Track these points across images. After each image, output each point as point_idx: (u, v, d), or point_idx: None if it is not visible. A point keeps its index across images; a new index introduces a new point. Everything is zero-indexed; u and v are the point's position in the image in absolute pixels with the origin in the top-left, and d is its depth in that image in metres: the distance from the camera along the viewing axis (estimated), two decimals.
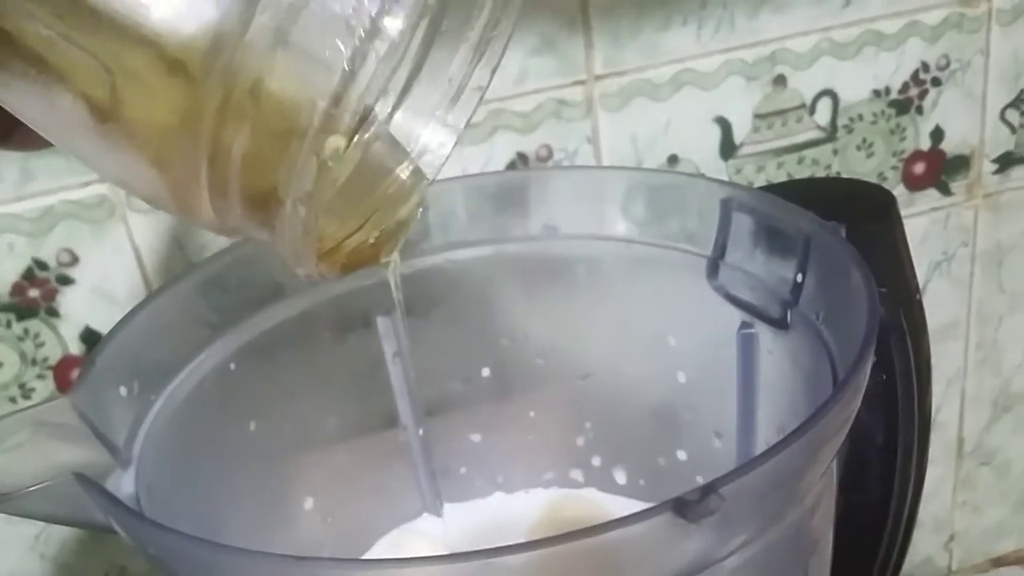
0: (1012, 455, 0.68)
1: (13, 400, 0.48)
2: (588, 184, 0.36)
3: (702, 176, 0.36)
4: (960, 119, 0.58)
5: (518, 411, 0.40)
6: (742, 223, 0.31)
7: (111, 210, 0.46)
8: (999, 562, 0.70)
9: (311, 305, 0.36)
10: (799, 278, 0.29)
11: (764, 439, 0.34)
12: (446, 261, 0.37)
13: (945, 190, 0.59)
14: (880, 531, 0.35)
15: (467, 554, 0.19)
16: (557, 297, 0.38)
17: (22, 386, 0.48)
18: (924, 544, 0.68)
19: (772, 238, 0.31)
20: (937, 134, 0.58)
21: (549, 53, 0.49)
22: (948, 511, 0.68)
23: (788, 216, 0.30)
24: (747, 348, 0.32)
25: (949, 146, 0.58)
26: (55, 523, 0.25)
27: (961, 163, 0.59)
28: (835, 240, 0.28)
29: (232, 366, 0.33)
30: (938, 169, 0.59)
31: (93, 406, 0.26)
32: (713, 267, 0.33)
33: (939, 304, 0.62)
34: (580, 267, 0.37)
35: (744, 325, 0.32)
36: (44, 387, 0.48)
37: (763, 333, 0.32)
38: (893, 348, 0.33)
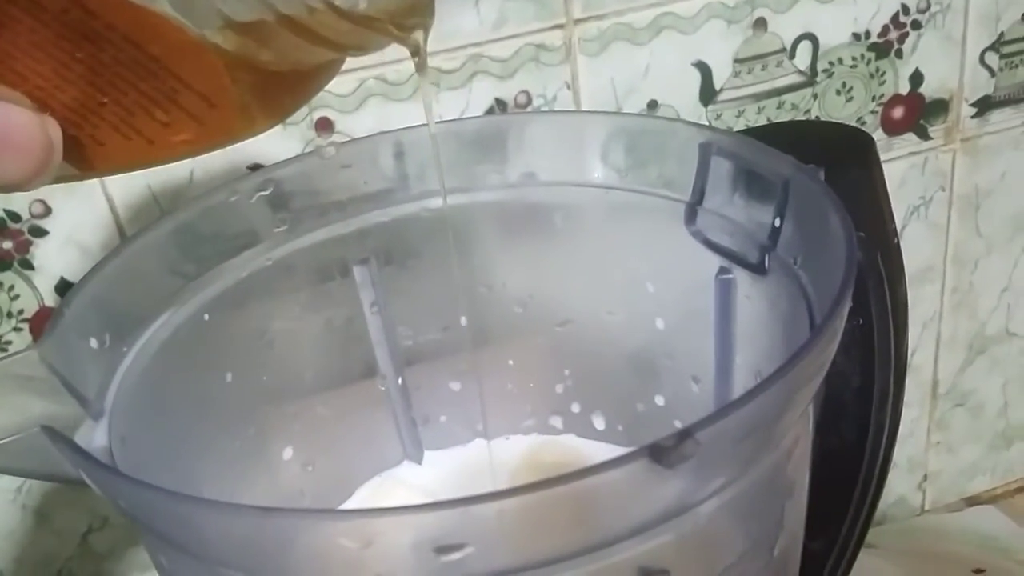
0: (986, 396, 0.69)
1: None
2: (566, 130, 0.36)
3: (681, 120, 0.35)
4: (939, 63, 0.57)
5: (497, 359, 0.39)
6: (721, 168, 0.31)
7: None
8: (972, 501, 0.71)
9: (286, 254, 0.35)
10: (777, 223, 0.29)
11: (741, 383, 0.33)
12: (423, 209, 0.36)
13: (924, 134, 0.59)
14: (855, 474, 0.35)
15: (445, 503, 0.18)
16: (535, 245, 0.38)
17: None
18: (898, 484, 0.69)
19: (750, 183, 0.30)
20: (916, 78, 0.57)
21: None
22: (922, 452, 0.69)
23: (766, 160, 0.29)
24: (725, 293, 0.32)
25: (928, 90, 0.58)
26: (25, 477, 0.25)
27: (940, 107, 0.59)
28: (813, 184, 0.27)
29: (206, 316, 0.33)
30: (917, 113, 0.58)
31: (62, 358, 0.26)
32: (691, 212, 0.32)
33: (916, 248, 0.62)
34: (558, 214, 0.37)
35: (722, 271, 0.32)
36: (21, 340, 0.47)
37: (741, 278, 0.32)
38: (870, 292, 0.33)
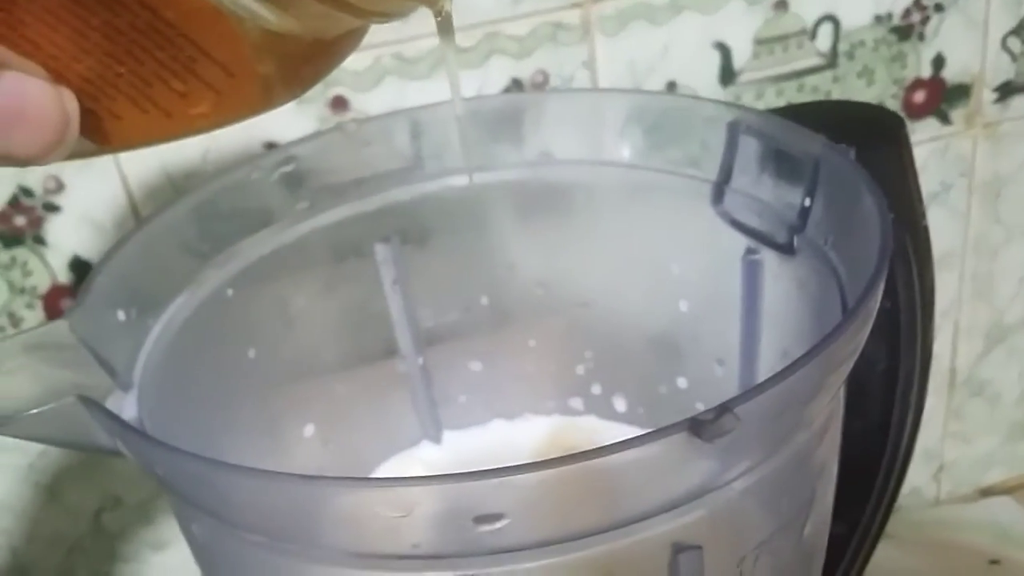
0: (1003, 386, 0.69)
1: (2, 329, 0.47)
2: (587, 108, 0.36)
3: (708, 99, 0.35)
4: (961, 47, 0.57)
5: (518, 340, 0.39)
6: (748, 147, 0.31)
7: None
8: (987, 492, 0.71)
9: (307, 232, 0.36)
10: (807, 202, 0.29)
11: (767, 366, 0.34)
12: (443, 188, 0.36)
13: (945, 119, 0.59)
14: (879, 458, 0.36)
15: (486, 472, 0.19)
16: (556, 225, 0.38)
17: (11, 315, 0.47)
18: (913, 474, 0.69)
19: (779, 162, 0.30)
20: (938, 62, 0.57)
21: None
22: (938, 442, 0.69)
23: (796, 139, 0.29)
24: (752, 274, 0.32)
25: (950, 74, 0.58)
26: (57, 446, 0.25)
27: (961, 92, 0.58)
28: (845, 163, 0.27)
29: (229, 292, 0.33)
30: (938, 98, 0.58)
31: (91, 330, 0.26)
32: (718, 192, 0.33)
33: (935, 234, 0.61)
34: (579, 194, 0.37)
35: (749, 251, 0.32)
36: (33, 316, 0.48)
37: (768, 259, 0.32)
38: (898, 275, 0.33)
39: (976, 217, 0.63)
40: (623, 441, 0.19)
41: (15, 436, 0.24)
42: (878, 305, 0.24)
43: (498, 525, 0.19)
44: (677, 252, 0.35)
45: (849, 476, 0.36)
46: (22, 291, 0.47)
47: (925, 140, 0.59)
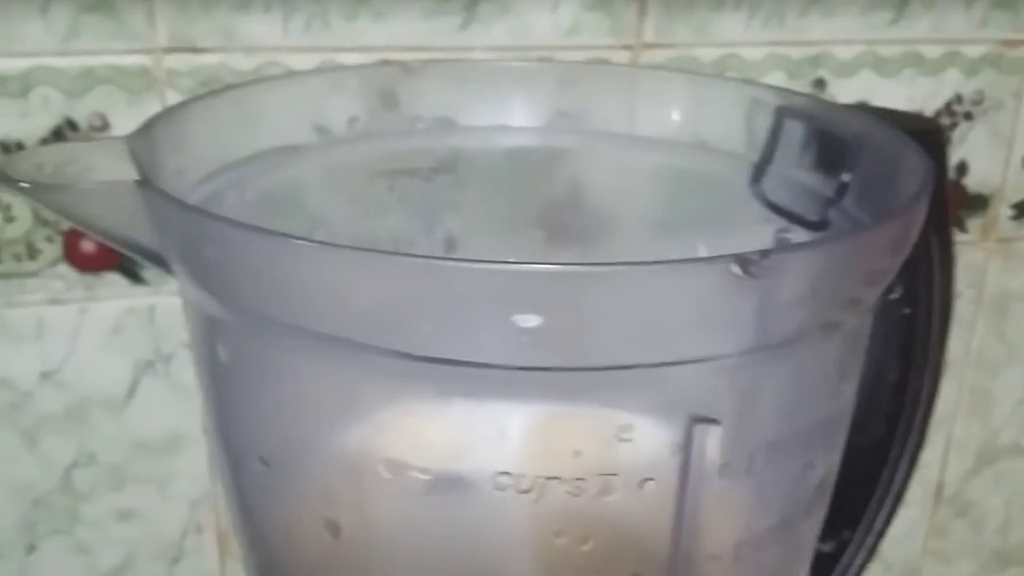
0: (988, 510, 0.69)
1: (18, 258, 0.48)
2: (637, 85, 0.37)
3: (755, 83, 0.37)
4: (985, 157, 0.60)
5: None
6: (793, 130, 0.33)
7: (150, 82, 0.47)
8: None
9: (350, 154, 0.37)
10: (845, 177, 0.30)
11: None
12: (489, 142, 0.38)
13: (961, 226, 0.61)
14: (878, 474, 0.36)
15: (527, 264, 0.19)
16: (594, 193, 0.39)
17: (29, 245, 0.48)
18: None
19: (822, 142, 0.32)
20: (961, 168, 0.60)
21: (603, 12, 0.51)
22: (918, 557, 0.68)
23: (842, 118, 0.31)
24: None
25: (971, 183, 0.60)
26: (100, 235, 0.26)
27: (980, 203, 0.61)
28: (891, 134, 0.29)
29: (249, 193, 0.34)
30: (957, 204, 0.60)
31: (146, 161, 0.27)
32: (757, 173, 0.34)
33: None
34: (618, 165, 0.38)
35: (780, 230, 0.33)
36: (51, 250, 0.48)
37: (798, 238, 0.33)
38: (920, 278, 0.34)
39: (981, 330, 0.64)
40: (666, 261, 0.20)
41: (69, 212, 0.25)
42: (916, 233, 0.25)
43: (530, 325, 0.20)
44: (707, 230, 0.36)
45: (846, 492, 0.36)
46: (45, 223, 0.48)
47: None
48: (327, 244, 0.21)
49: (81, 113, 0.47)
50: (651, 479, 0.23)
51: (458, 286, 0.20)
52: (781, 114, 0.33)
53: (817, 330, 0.24)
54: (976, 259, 0.62)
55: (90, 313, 0.49)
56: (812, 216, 0.32)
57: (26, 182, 0.24)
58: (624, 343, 0.21)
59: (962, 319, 0.63)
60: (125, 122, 0.47)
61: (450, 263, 0.20)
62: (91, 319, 0.49)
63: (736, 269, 0.20)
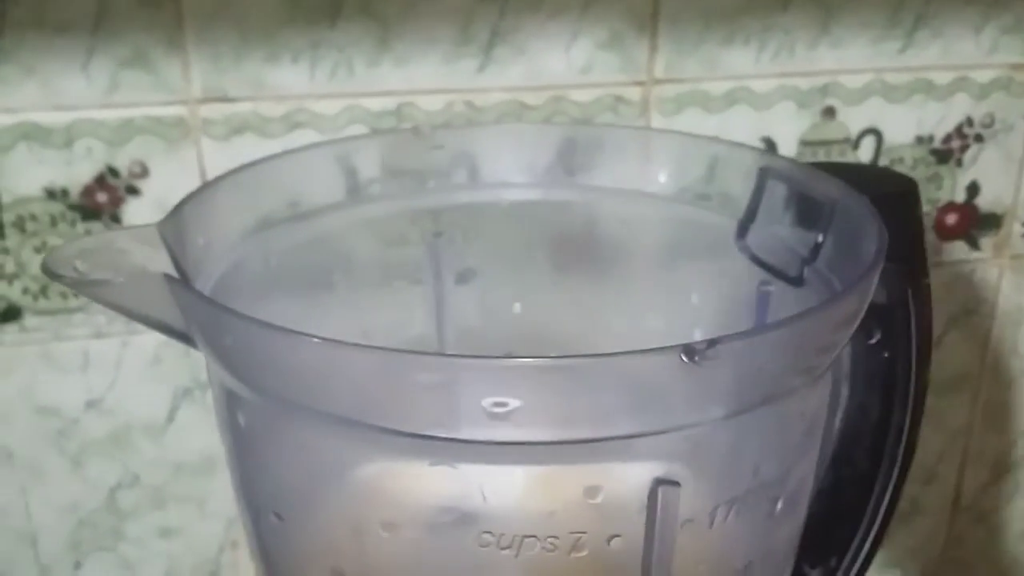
0: (1006, 518, 0.71)
1: (64, 296, 0.52)
2: (635, 144, 0.41)
3: (741, 144, 0.40)
4: (997, 178, 0.62)
5: (541, 351, 0.43)
6: (775, 189, 0.35)
7: (186, 132, 0.50)
8: None
9: (363, 218, 0.40)
10: (820, 238, 0.33)
11: None
12: (496, 199, 0.41)
13: (974, 244, 0.63)
14: (863, 505, 0.39)
15: (505, 358, 0.23)
16: (592, 245, 0.42)
17: None
18: None
19: (800, 204, 0.35)
20: (973, 189, 0.62)
21: (615, 50, 0.54)
22: (936, 565, 0.71)
23: (818, 183, 0.34)
24: (763, 305, 0.36)
25: (983, 202, 0.62)
26: (135, 319, 0.29)
27: (992, 221, 0.63)
28: (859, 205, 0.32)
29: (273, 261, 0.37)
30: (969, 223, 0.63)
31: (175, 239, 0.30)
32: (742, 229, 0.37)
33: (954, 356, 0.66)
34: (615, 221, 0.42)
35: (762, 283, 0.36)
36: None
37: (779, 292, 0.36)
38: (897, 326, 0.37)
39: (995, 345, 0.66)
40: (622, 352, 0.23)
41: (105, 301, 0.28)
42: (865, 305, 0.28)
43: (508, 408, 0.23)
44: (698, 282, 0.39)
45: (832, 521, 0.39)
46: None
47: (953, 262, 0.63)
48: (329, 340, 0.24)
49: (122, 161, 0.50)
50: (618, 535, 0.26)
51: (443, 376, 0.24)
52: (764, 175, 0.36)
53: (771, 398, 0.27)
54: (990, 276, 0.64)
55: (131, 346, 0.53)
56: (791, 272, 0.35)
57: (67, 278, 0.28)
58: (591, 421, 0.24)
59: (977, 334, 0.66)
60: (163, 168, 0.51)
61: (434, 359, 0.23)
62: (132, 351, 0.53)
63: (683, 358, 0.23)
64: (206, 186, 0.34)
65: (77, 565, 0.56)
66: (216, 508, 0.57)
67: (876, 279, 0.28)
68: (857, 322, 0.28)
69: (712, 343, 0.23)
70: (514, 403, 0.23)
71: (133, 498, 0.56)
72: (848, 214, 0.33)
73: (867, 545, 0.39)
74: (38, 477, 0.54)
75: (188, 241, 0.31)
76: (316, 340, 0.24)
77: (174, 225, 0.31)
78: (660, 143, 0.40)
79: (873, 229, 0.30)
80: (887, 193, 0.32)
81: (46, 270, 0.28)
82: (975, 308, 0.65)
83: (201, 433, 0.55)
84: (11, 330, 0.51)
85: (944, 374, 0.66)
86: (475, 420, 0.24)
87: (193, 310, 0.27)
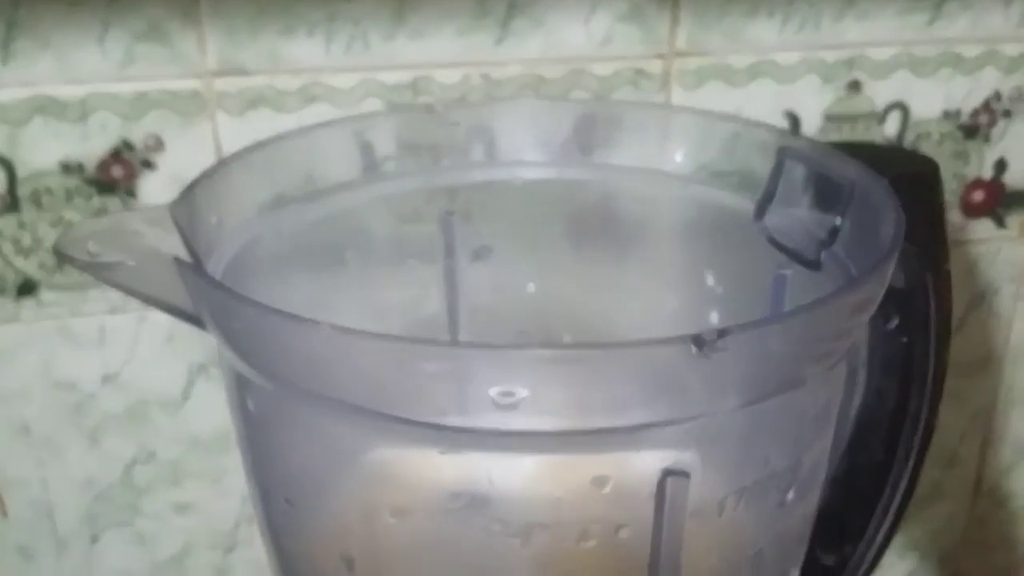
0: None
1: (80, 271, 0.52)
2: (652, 122, 0.40)
3: (760, 123, 0.39)
4: None
5: (554, 331, 0.43)
6: (793, 170, 0.35)
7: (202, 106, 0.50)
8: None
9: (377, 195, 0.40)
10: (837, 221, 0.33)
11: None
12: (511, 176, 0.41)
13: (1000, 222, 0.62)
14: (879, 493, 0.39)
15: (512, 344, 0.23)
16: (607, 224, 0.42)
17: None
18: None
19: (819, 185, 0.34)
20: (1000, 165, 0.61)
21: (636, 22, 0.53)
22: (957, 548, 0.71)
23: (837, 165, 0.33)
24: (779, 288, 0.36)
25: (1010, 179, 0.61)
26: (146, 301, 0.30)
27: (1020, 199, 0.62)
28: (877, 187, 0.31)
29: (289, 236, 0.37)
30: (996, 200, 0.62)
31: (187, 220, 0.30)
32: (760, 210, 0.37)
33: (977, 336, 0.65)
34: (632, 199, 0.41)
35: (779, 266, 0.36)
36: None
37: (796, 275, 0.36)
38: (916, 311, 0.36)
39: (1020, 325, 0.65)
40: (631, 342, 0.23)
41: (118, 284, 0.28)
42: (880, 294, 0.27)
43: (515, 398, 0.23)
44: (714, 263, 0.39)
45: (849, 507, 0.39)
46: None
47: (978, 240, 0.62)
48: (337, 327, 0.24)
49: (137, 135, 0.50)
50: (626, 525, 0.26)
51: (450, 365, 0.23)
52: (782, 155, 0.36)
53: (783, 388, 0.26)
54: (1016, 255, 0.64)
55: (148, 321, 0.53)
56: (809, 255, 0.34)
57: (79, 260, 0.28)
58: (600, 411, 0.24)
59: (1002, 314, 0.65)
60: (179, 142, 0.51)
61: (441, 348, 0.23)
62: (149, 327, 0.53)
63: (693, 349, 0.23)
64: (218, 165, 0.34)
65: (94, 539, 0.57)
66: (231, 484, 0.58)
67: (892, 267, 0.27)
68: (872, 311, 0.28)
69: (722, 333, 0.23)
70: (522, 392, 0.23)
71: (149, 473, 0.56)
72: (867, 197, 0.32)
73: (882, 533, 0.39)
74: (55, 452, 0.55)
75: (200, 221, 0.31)
76: (324, 327, 0.24)
77: (186, 206, 0.31)
78: (678, 121, 0.40)
79: (891, 214, 0.30)
80: (908, 175, 0.32)
81: (58, 252, 0.28)
82: (1000, 287, 0.64)
83: (216, 410, 0.56)
84: (28, 305, 0.52)
85: (967, 354, 0.65)
86: (483, 409, 0.24)
87: (202, 294, 0.27)
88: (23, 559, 0.57)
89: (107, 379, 0.54)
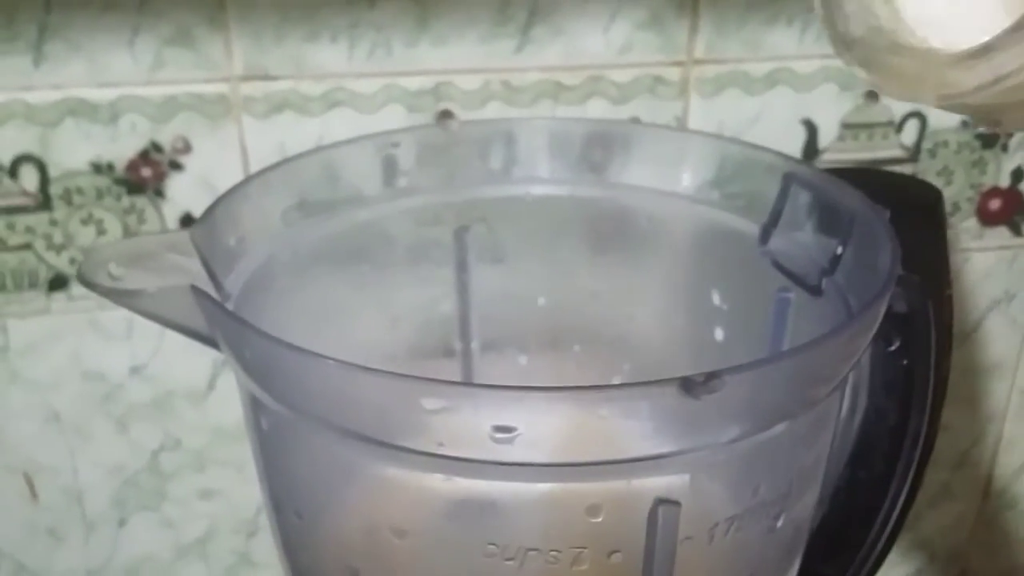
0: None
1: None
2: (666, 144, 0.41)
3: (770, 150, 0.40)
4: None
5: (564, 342, 0.44)
6: (798, 196, 0.36)
7: (228, 109, 0.51)
8: None
9: (394, 212, 0.41)
10: (839, 250, 0.34)
11: None
12: (523, 194, 0.42)
13: (1017, 231, 0.63)
14: (878, 506, 0.39)
15: (506, 387, 0.24)
16: (617, 242, 0.43)
17: None
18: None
19: (822, 212, 0.35)
20: (1017, 174, 0.61)
21: (655, 30, 0.54)
22: (964, 546, 0.71)
23: (840, 194, 0.34)
24: (781, 311, 0.37)
25: None
26: (167, 326, 0.31)
27: None
28: (877, 219, 0.32)
29: (312, 250, 0.38)
30: (1013, 209, 0.62)
31: (207, 244, 0.32)
32: (765, 234, 0.37)
33: (991, 342, 0.65)
34: (642, 219, 0.42)
35: (782, 289, 0.37)
36: None
37: (798, 298, 0.36)
38: (917, 335, 0.37)
39: None
40: (622, 384, 0.24)
41: (138, 309, 0.30)
42: (875, 325, 0.28)
43: (511, 434, 0.24)
44: (720, 284, 0.40)
45: (848, 522, 0.40)
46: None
47: (994, 247, 0.63)
48: (340, 362, 0.25)
49: (166, 137, 0.52)
50: (618, 551, 0.28)
51: (449, 402, 0.25)
52: (788, 180, 0.36)
53: (775, 423, 0.27)
54: None
55: None
56: (811, 280, 0.35)
57: (100, 286, 0.29)
58: (594, 446, 0.25)
59: (1016, 320, 0.65)
60: (205, 144, 0.52)
61: (441, 385, 0.24)
62: None
63: (681, 392, 0.24)
64: (235, 188, 0.35)
65: (122, 523, 0.59)
66: (253, 472, 0.59)
67: (884, 305, 0.28)
68: (865, 347, 0.28)
69: (711, 376, 0.24)
70: (518, 429, 0.24)
71: (175, 461, 0.58)
72: (867, 228, 0.33)
73: (879, 547, 0.40)
74: (85, 439, 0.56)
75: (220, 242, 0.32)
76: (330, 362, 0.25)
77: (206, 229, 0.32)
78: (688, 144, 0.41)
79: (888, 247, 0.30)
80: (911, 203, 0.32)
81: (81, 279, 0.29)
82: (1016, 293, 0.64)
83: (239, 402, 0.57)
84: (59, 298, 0.53)
85: (982, 360, 0.65)
86: (480, 442, 0.25)
87: (217, 321, 0.29)
88: (53, 541, 0.59)
89: (135, 370, 0.55)
